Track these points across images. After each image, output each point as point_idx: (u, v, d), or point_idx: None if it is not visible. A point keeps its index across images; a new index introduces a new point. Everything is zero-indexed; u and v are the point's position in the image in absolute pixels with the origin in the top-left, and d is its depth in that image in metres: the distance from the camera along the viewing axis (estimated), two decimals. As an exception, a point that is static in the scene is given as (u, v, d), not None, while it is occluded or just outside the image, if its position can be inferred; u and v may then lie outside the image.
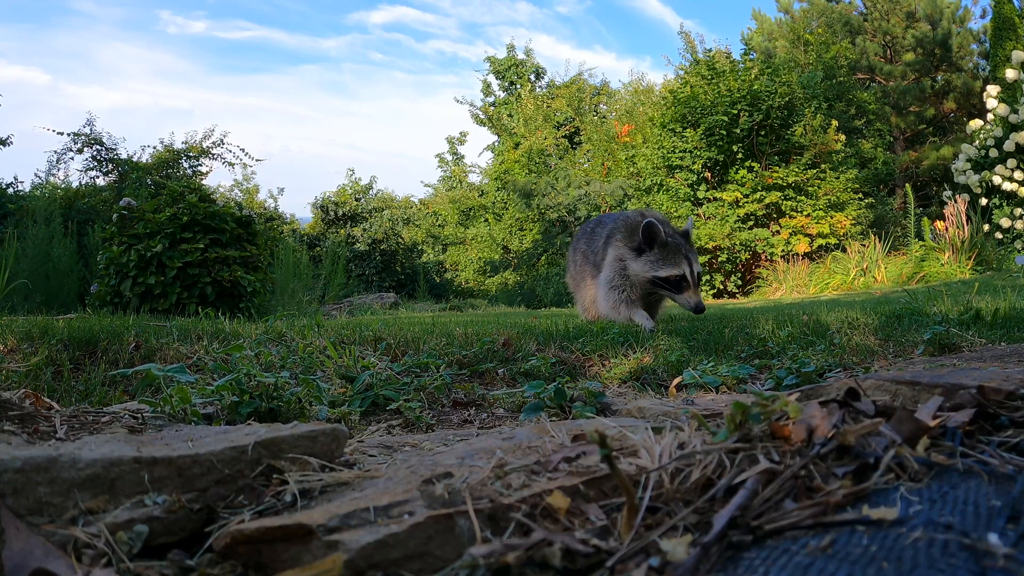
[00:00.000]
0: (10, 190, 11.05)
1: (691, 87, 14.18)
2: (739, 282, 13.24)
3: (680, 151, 13.70)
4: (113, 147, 12.12)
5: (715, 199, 13.39)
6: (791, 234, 12.80)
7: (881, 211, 15.43)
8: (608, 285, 3.81)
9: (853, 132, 17.39)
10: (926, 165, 19.22)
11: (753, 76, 13.72)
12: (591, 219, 5.15)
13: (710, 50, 16.54)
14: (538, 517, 0.74)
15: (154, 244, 5.49)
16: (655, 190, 14.31)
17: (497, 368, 2.64)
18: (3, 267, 5.87)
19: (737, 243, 12.93)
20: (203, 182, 12.95)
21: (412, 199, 22.87)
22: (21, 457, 0.80)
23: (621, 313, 3.76)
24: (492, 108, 23.00)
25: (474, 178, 23.43)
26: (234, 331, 3.00)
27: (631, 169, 16.73)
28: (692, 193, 13.69)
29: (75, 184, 11.71)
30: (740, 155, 13.33)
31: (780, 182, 13.02)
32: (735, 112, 13.19)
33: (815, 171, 13.31)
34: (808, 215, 12.93)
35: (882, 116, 19.41)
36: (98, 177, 12.13)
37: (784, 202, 13.02)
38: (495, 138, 22.97)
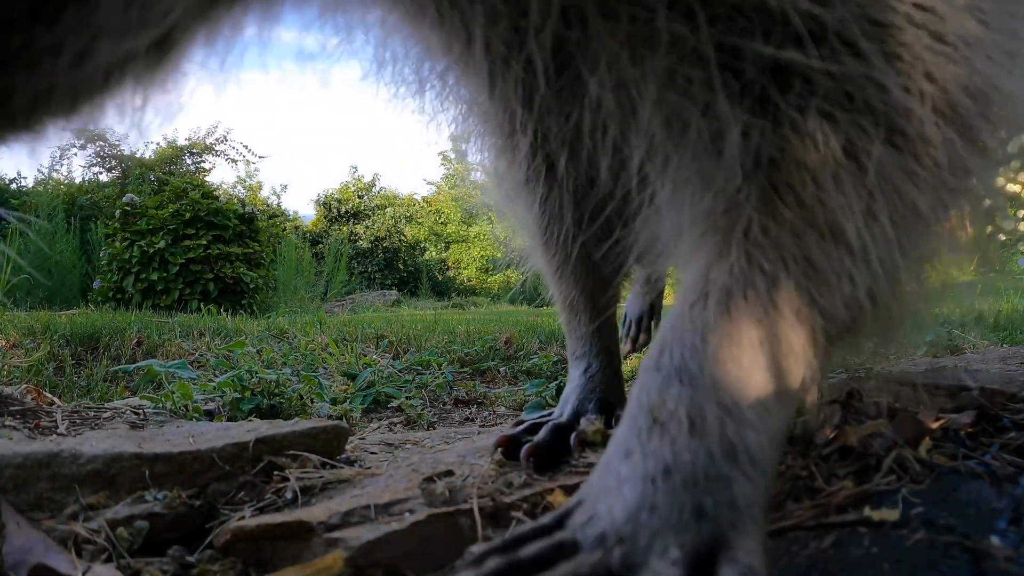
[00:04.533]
0: (13, 186, 11.06)
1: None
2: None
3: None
4: (116, 143, 12.12)
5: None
6: (794, 234, 12.79)
7: (884, 212, 15.38)
8: None
9: (857, 132, 17.35)
10: (930, 166, 19.20)
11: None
12: None
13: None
14: (539, 515, 0.73)
15: (157, 240, 5.49)
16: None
17: (499, 366, 2.63)
18: (5, 263, 5.87)
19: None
20: (206, 179, 12.93)
21: (415, 197, 22.82)
22: (22, 452, 0.80)
23: None
24: (496, 106, 22.95)
25: (477, 176, 23.34)
26: (236, 328, 3.00)
27: (634, 168, 16.67)
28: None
29: (78, 180, 11.70)
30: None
31: (783, 182, 13.02)
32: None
33: (818, 171, 13.30)
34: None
35: (886, 116, 19.39)
36: (101, 173, 12.14)
37: (787, 202, 13.01)
38: (498, 136, 22.90)
